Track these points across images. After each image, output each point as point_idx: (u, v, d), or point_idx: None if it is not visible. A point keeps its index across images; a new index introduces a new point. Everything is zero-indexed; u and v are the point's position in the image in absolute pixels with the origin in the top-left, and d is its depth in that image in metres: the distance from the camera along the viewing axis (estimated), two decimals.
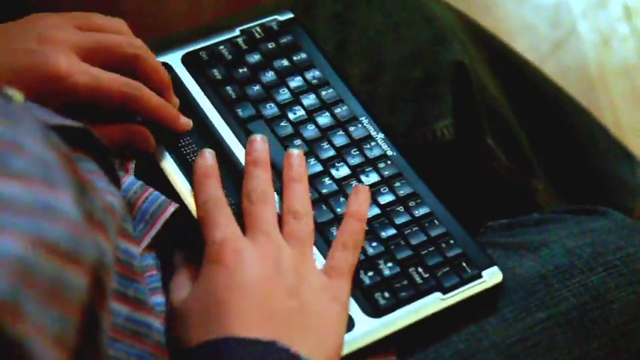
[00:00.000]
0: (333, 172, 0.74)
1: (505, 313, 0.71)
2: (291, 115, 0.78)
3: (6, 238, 0.41)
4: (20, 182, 0.44)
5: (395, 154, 0.77)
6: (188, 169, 0.73)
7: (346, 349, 0.66)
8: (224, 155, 0.74)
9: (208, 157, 0.71)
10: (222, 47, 0.81)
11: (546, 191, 1.02)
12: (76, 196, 0.47)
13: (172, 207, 0.69)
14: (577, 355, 0.71)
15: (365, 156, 0.76)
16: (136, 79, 0.72)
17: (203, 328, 0.61)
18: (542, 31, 1.55)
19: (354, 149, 0.76)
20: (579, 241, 0.75)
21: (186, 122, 0.75)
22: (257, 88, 0.79)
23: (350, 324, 0.67)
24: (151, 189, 0.70)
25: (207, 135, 0.76)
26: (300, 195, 0.70)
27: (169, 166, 0.74)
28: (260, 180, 0.70)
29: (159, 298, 0.65)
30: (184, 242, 0.70)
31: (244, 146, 0.74)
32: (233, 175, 0.73)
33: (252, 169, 0.71)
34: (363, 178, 0.74)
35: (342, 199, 0.72)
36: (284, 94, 0.79)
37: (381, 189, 0.74)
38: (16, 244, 0.42)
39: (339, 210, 0.72)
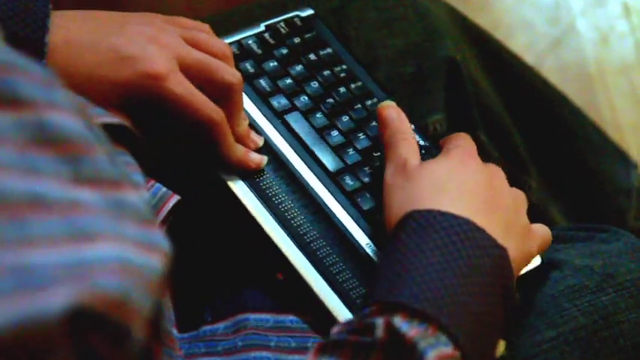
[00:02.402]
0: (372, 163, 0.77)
1: (515, 329, 0.71)
2: (324, 107, 0.80)
3: (102, 242, 0.43)
4: (91, 186, 0.45)
5: (427, 144, 0.79)
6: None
7: None
8: (264, 146, 0.76)
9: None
10: (250, 42, 0.83)
11: (539, 189, 1.02)
12: (136, 192, 0.49)
13: (173, 199, 0.69)
14: None
15: None
16: None
17: (434, 200, 0.66)
18: (541, 28, 1.55)
19: None
20: (590, 262, 0.75)
21: (258, 162, 0.75)
22: (289, 81, 0.81)
23: None
24: (153, 181, 0.70)
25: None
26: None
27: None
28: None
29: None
30: (186, 238, 0.71)
31: (284, 137, 0.77)
32: (273, 164, 0.75)
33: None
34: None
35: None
36: (315, 87, 0.81)
37: None
38: (111, 246, 0.44)
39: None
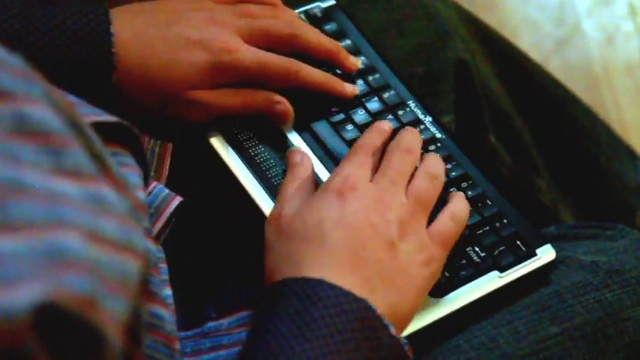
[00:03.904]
0: None
1: (518, 326, 0.71)
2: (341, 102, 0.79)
3: (77, 235, 0.43)
4: (71, 178, 0.45)
5: (443, 136, 0.78)
6: (245, 157, 0.75)
7: (409, 329, 0.67)
8: (279, 142, 0.77)
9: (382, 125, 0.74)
10: None
11: (550, 190, 1.01)
12: (117, 191, 0.49)
13: (176, 200, 0.69)
14: None
15: None
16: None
17: (299, 257, 0.63)
18: (546, 28, 1.54)
19: None
20: (595, 259, 0.75)
21: (352, 89, 0.79)
22: None
23: None
24: (155, 182, 0.71)
25: (263, 125, 0.77)
26: (441, 163, 0.71)
27: (223, 148, 0.76)
28: (412, 137, 0.71)
29: (168, 291, 0.65)
30: (189, 235, 0.70)
31: (298, 132, 0.77)
32: (284, 160, 0.75)
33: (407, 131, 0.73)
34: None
35: None
36: None
37: None
38: (79, 239, 0.43)
39: None
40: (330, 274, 0.61)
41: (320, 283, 0.60)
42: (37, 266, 0.40)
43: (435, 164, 0.70)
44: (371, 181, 0.67)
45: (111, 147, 0.58)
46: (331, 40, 0.79)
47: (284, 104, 0.76)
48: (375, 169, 0.69)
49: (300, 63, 0.76)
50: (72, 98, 0.59)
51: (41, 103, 0.46)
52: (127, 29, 0.71)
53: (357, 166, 0.67)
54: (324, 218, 0.63)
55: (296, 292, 0.60)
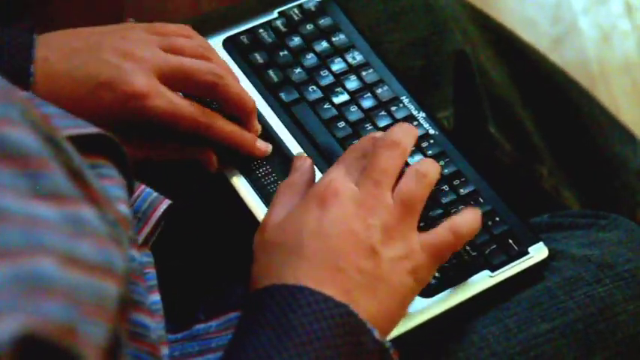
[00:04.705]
0: None
1: (508, 323, 0.70)
2: (334, 98, 0.78)
3: (53, 261, 0.43)
4: (49, 201, 0.45)
5: (437, 132, 0.77)
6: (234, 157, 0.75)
7: (399, 330, 0.66)
8: (269, 139, 0.76)
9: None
10: (262, 30, 0.82)
11: (551, 176, 1.01)
12: (95, 211, 0.48)
13: (165, 203, 0.69)
14: None
15: None
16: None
17: (279, 267, 0.61)
18: (542, 26, 1.54)
19: None
20: (587, 252, 0.74)
21: (264, 148, 0.75)
22: (299, 71, 0.80)
23: None
24: (143, 186, 0.70)
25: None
26: (434, 164, 0.66)
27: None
28: (399, 130, 0.66)
29: (155, 297, 0.65)
30: (179, 237, 0.70)
31: (289, 130, 0.76)
32: (278, 158, 0.74)
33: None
34: (407, 158, 0.74)
35: None
36: (326, 77, 0.80)
37: None
38: (56, 264, 0.43)
39: None
40: (308, 285, 0.60)
41: (300, 290, 0.59)
42: (16, 295, 0.40)
43: (427, 162, 0.66)
44: (357, 184, 0.64)
45: (92, 159, 0.58)
46: (251, 98, 0.74)
47: (201, 153, 0.74)
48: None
49: (214, 115, 0.72)
50: (52, 109, 0.58)
51: (18, 125, 0.45)
52: (41, 68, 0.67)
53: (341, 171, 0.64)
54: (303, 228, 0.61)
55: (276, 299, 0.59)
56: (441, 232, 0.64)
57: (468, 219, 0.65)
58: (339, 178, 0.64)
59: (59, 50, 0.69)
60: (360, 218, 0.62)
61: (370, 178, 0.63)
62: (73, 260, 0.44)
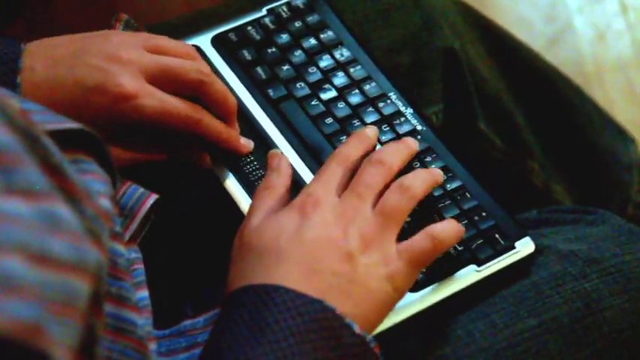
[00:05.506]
0: None
1: (494, 319, 0.70)
2: (322, 95, 0.79)
3: (15, 256, 0.42)
4: (22, 197, 0.45)
5: (424, 128, 0.77)
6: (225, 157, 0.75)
7: (384, 325, 0.66)
8: (257, 136, 0.76)
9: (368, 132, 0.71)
10: (250, 28, 0.82)
11: (542, 170, 1.01)
12: (72, 207, 0.48)
13: (151, 199, 0.69)
14: None
15: (396, 132, 0.77)
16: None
17: (255, 269, 0.62)
18: (537, 25, 1.54)
19: (385, 126, 0.77)
20: (574, 247, 0.74)
21: (247, 145, 0.76)
22: (287, 68, 0.80)
23: None
24: (129, 182, 0.70)
25: (239, 116, 0.76)
26: (422, 176, 0.67)
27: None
28: (388, 150, 0.68)
29: (143, 293, 0.65)
30: (166, 233, 0.70)
31: (277, 126, 0.76)
32: (266, 154, 0.74)
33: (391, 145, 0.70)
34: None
35: None
36: (314, 74, 0.80)
37: (414, 164, 0.74)
38: (25, 261, 0.43)
39: None
40: (288, 285, 0.60)
41: (276, 289, 0.59)
42: None
43: (412, 177, 0.66)
44: (339, 196, 0.65)
45: (73, 154, 0.58)
46: (234, 98, 0.74)
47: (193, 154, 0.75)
48: (348, 181, 0.66)
49: (203, 111, 0.72)
50: (32, 105, 0.58)
51: None
52: (28, 78, 0.68)
53: (323, 182, 0.65)
54: (281, 233, 0.62)
55: (252, 298, 0.59)
56: (419, 239, 0.64)
57: (446, 226, 0.65)
58: (321, 190, 0.65)
59: (45, 59, 0.69)
60: (340, 227, 0.63)
61: (354, 192, 0.65)
62: (43, 258, 0.44)
